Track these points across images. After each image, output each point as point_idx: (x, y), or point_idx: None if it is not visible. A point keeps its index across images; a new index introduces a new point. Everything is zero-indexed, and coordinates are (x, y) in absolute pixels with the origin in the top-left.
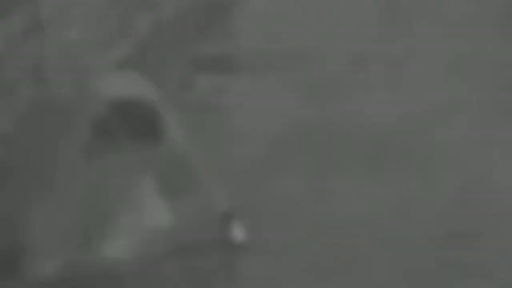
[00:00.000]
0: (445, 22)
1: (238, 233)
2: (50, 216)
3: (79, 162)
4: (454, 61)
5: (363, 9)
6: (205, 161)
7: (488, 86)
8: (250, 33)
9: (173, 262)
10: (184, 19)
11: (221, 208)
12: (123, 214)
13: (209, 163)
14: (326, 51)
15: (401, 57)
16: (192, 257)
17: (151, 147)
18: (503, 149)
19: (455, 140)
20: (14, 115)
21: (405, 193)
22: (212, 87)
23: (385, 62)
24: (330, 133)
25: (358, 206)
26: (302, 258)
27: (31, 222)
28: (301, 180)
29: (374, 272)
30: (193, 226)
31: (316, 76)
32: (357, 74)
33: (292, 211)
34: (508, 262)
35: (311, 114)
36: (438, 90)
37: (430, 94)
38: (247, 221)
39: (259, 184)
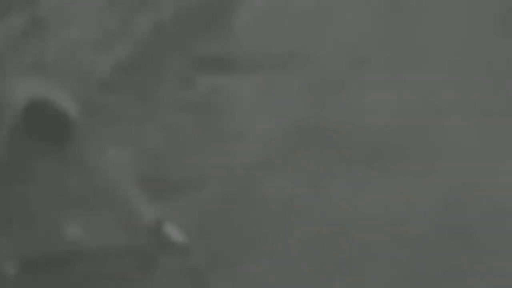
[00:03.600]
0: (445, 23)
1: (176, 235)
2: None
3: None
4: (454, 61)
5: (364, 10)
6: (131, 172)
7: (487, 86)
8: (250, 33)
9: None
10: (184, 19)
11: (146, 216)
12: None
13: (208, 163)
14: (326, 51)
15: (401, 57)
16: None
17: (59, 149)
18: (503, 149)
19: (455, 140)
20: None
21: (405, 192)
22: (212, 87)
23: (385, 62)
24: (330, 133)
25: (358, 205)
26: (303, 258)
27: None
28: (301, 180)
29: (373, 272)
30: (107, 235)
31: (316, 76)
32: (357, 74)
33: (292, 211)
34: (507, 262)
35: (311, 114)
36: (438, 90)
37: (430, 94)
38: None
39: (259, 184)
